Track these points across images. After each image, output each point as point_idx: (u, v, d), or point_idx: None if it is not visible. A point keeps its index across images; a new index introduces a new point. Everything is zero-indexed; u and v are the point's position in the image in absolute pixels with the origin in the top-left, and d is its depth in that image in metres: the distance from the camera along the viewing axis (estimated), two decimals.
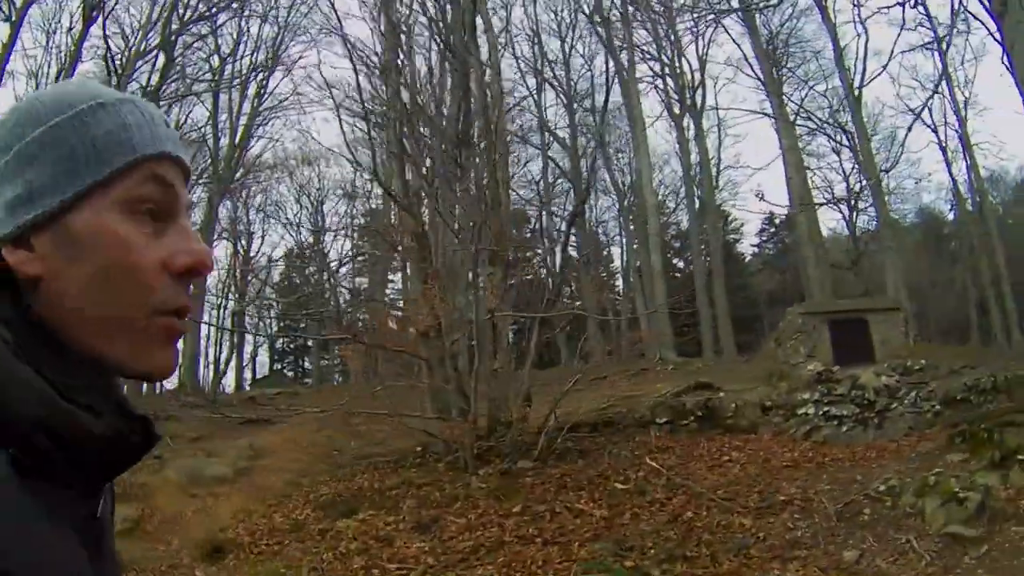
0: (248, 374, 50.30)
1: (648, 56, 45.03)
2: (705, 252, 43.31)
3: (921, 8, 34.51)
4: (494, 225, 16.42)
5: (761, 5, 38.23)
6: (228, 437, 18.36)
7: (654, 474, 13.02)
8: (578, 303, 31.06)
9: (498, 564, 9.83)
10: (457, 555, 10.29)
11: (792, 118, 39.80)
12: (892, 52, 52.56)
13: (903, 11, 29.79)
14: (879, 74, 58.74)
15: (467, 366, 16.31)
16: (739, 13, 40.31)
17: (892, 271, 34.61)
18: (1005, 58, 25.41)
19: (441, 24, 20.56)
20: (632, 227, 45.37)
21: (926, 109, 41.67)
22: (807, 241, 35.52)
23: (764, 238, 56.81)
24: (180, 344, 1.06)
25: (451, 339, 15.94)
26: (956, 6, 32.81)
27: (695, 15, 39.15)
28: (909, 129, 45.85)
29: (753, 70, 41.45)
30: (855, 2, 37.14)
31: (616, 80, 41.46)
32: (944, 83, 40.60)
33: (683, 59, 44.06)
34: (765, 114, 41.08)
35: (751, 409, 15.25)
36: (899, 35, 56.26)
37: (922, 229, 53.73)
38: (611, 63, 41.81)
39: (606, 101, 43.90)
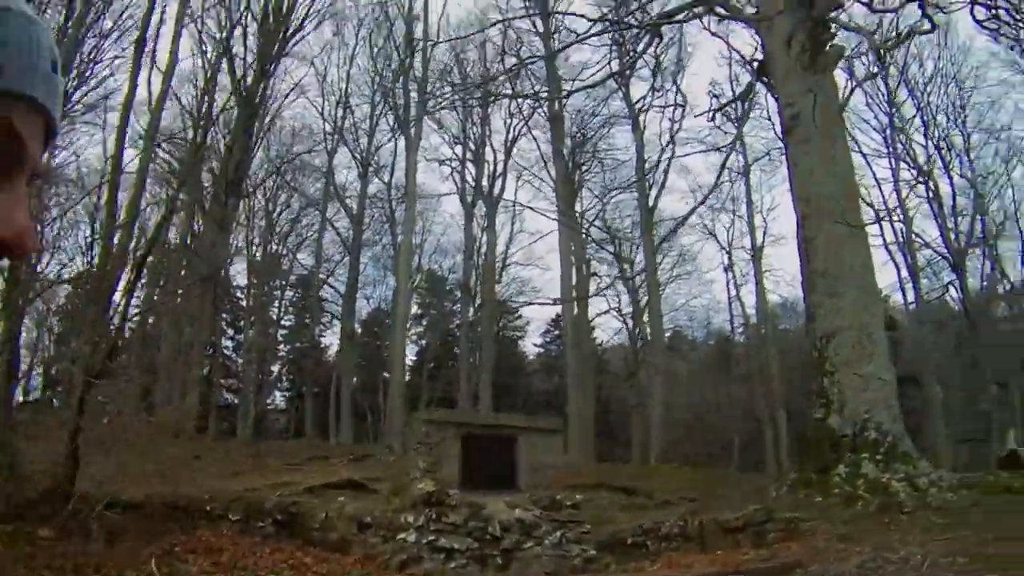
0: None
1: (454, 140, 43.71)
2: (472, 346, 41.33)
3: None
4: None
5: (562, 95, 37.02)
6: None
7: None
8: None
9: None
10: None
11: (584, 225, 38.85)
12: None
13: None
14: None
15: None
16: (545, 109, 39.32)
17: (659, 389, 33.29)
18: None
19: None
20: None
21: (725, 231, 41.74)
22: (572, 347, 34.10)
23: (548, 339, 55.47)
24: None
25: None
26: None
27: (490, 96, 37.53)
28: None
29: (548, 169, 40.33)
30: (670, 118, 36.72)
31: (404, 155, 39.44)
32: (746, 207, 40.77)
33: (489, 146, 42.72)
34: (547, 215, 39.70)
35: (345, 523, 12.32)
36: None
37: (714, 349, 53.40)
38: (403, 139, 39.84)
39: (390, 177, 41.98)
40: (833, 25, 19.58)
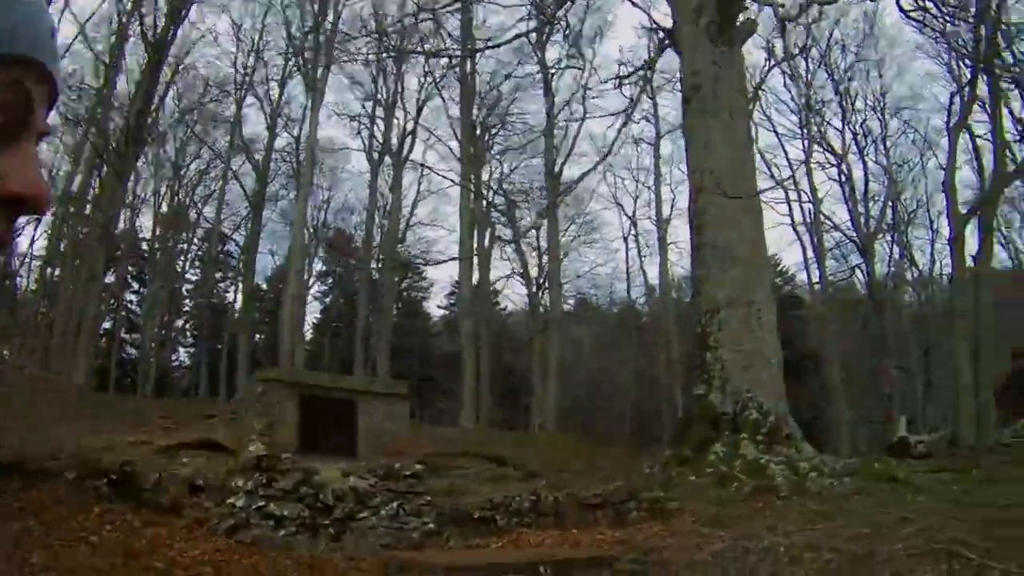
0: None
1: (366, 96, 42.49)
2: (372, 308, 40.34)
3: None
4: None
5: (473, 52, 35.93)
6: None
7: None
8: None
9: None
10: None
11: (488, 190, 37.96)
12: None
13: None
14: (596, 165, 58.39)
15: None
16: (457, 71, 38.19)
17: (555, 355, 32.72)
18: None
19: None
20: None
21: (635, 204, 41.45)
22: (466, 309, 33.32)
23: (452, 301, 54.85)
24: None
25: None
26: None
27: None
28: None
29: (454, 130, 39.32)
30: (581, 84, 35.90)
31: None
32: (654, 179, 40.51)
33: (401, 104, 41.59)
34: (446, 176, 38.80)
35: (179, 485, 11.30)
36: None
37: (617, 317, 53.12)
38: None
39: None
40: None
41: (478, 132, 38.65)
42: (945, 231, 31.98)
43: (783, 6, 18.82)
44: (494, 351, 38.35)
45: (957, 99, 27.96)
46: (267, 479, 10.96)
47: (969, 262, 25.86)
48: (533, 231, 37.67)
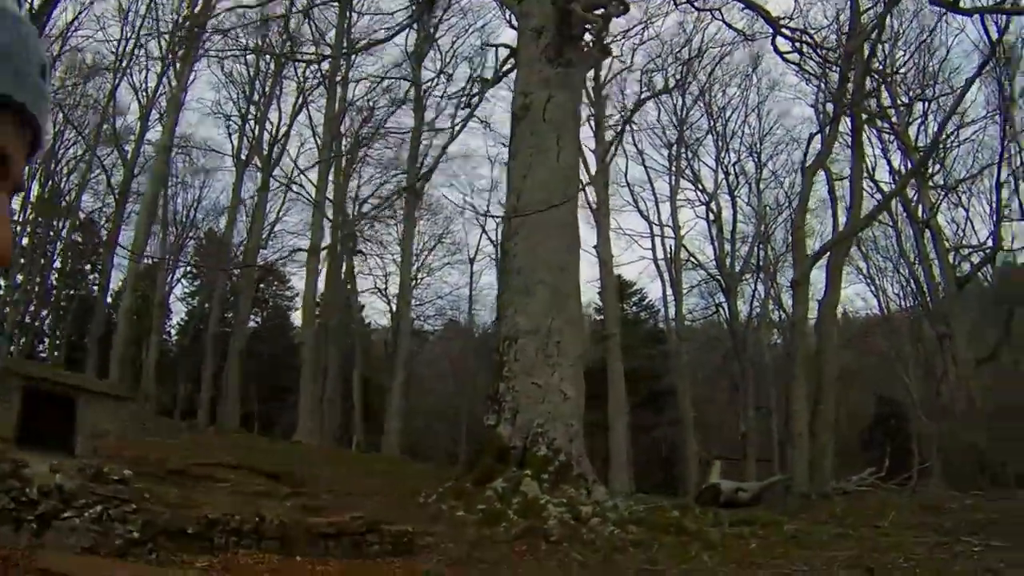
0: None
1: (241, 96, 41.20)
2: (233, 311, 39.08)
3: None
4: None
5: (350, 51, 34.93)
6: None
7: None
8: None
9: None
10: None
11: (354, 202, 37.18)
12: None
13: None
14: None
15: None
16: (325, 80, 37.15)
17: (400, 373, 31.83)
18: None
19: None
20: None
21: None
22: (307, 320, 32.35)
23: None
24: None
25: None
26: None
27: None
28: None
29: (315, 139, 38.33)
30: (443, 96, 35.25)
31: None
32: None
33: (277, 107, 40.42)
34: (305, 196, 37.83)
35: None
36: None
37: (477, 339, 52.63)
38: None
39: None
40: (591, 24, 18.33)
41: (348, 143, 37.64)
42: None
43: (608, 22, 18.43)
44: (346, 366, 37.20)
45: (817, 139, 27.99)
46: None
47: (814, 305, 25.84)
48: (398, 247, 36.81)
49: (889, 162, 35.44)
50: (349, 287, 40.04)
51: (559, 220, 16.49)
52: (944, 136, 29.73)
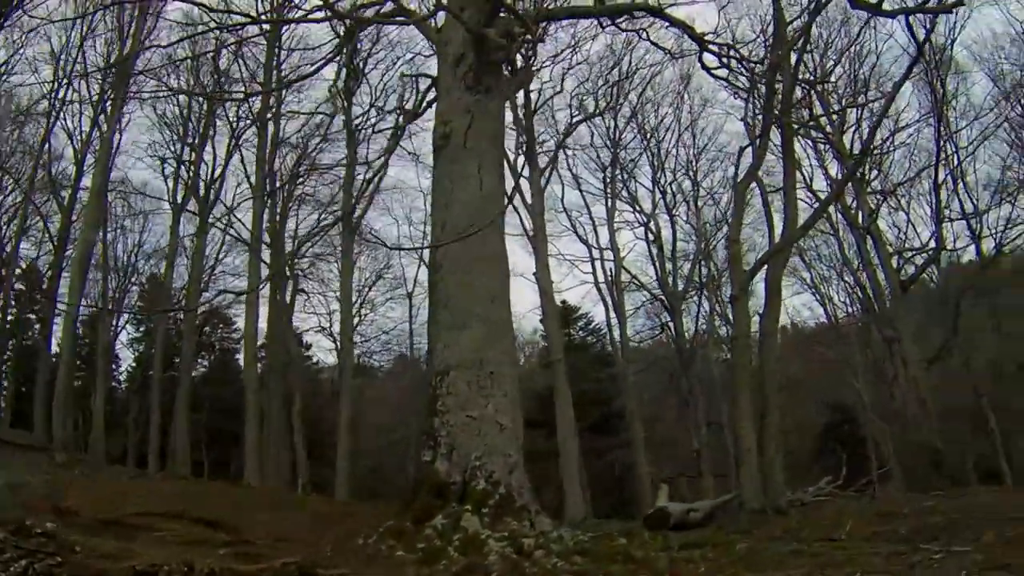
0: None
1: (175, 137, 40.52)
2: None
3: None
4: None
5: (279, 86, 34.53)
6: None
7: None
8: None
9: None
10: None
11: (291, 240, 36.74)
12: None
13: None
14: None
15: None
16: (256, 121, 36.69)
17: (345, 412, 31.46)
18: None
19: None
20: None
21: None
22: (250, 361, 31.93)
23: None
24: None
25: None
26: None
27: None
28: None
29: (248, 180, 37.71)
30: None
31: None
32: None
33: (211, 147, 39.68)
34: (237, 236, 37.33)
35: None
36: None
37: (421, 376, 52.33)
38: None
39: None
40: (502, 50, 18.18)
41: (281, 180, 37.23)
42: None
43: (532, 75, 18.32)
44: (290, 406, 36.58)
45: (748, 152, 27.91)
46: None
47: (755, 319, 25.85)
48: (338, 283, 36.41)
49: (826, 171, 35.78)
50: (291, 327, 39.52)
51: (486, 249, 16.26)
52: (878, 141, 30.11)
